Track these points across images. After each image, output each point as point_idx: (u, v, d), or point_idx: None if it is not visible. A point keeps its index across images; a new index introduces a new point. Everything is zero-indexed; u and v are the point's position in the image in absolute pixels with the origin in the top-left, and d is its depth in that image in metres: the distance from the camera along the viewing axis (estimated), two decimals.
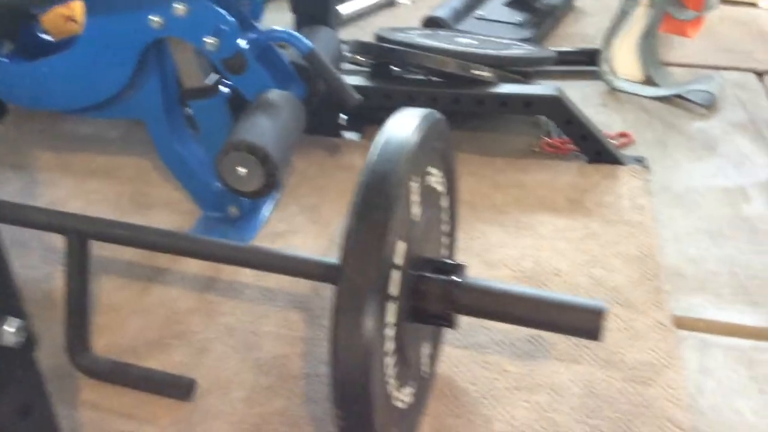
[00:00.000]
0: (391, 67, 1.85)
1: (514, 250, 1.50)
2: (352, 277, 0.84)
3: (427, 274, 1.02)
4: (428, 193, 1.05)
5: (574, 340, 1.29)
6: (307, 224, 1.58)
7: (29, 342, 0.75)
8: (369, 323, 0.85)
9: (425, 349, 1.14)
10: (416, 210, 0.99)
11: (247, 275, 1.43)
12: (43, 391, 0.81)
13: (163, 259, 1.46)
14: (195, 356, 1.27)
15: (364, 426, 0.89)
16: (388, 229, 0.87)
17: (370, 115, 1.87)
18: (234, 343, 1.29)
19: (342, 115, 1.84)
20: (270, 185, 1.28)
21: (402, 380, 1.01)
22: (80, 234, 1.15)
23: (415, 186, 0.98)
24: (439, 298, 1.01)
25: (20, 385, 0.76)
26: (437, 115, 1.05)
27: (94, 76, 1.43)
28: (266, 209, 1.61)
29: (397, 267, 0.92)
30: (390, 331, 0.93)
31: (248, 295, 1.39)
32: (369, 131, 1.89)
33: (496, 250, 1.50)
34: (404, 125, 0.97)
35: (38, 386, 0.80)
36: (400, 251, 0.93)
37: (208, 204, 1.57)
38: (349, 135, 1.86)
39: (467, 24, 2.38)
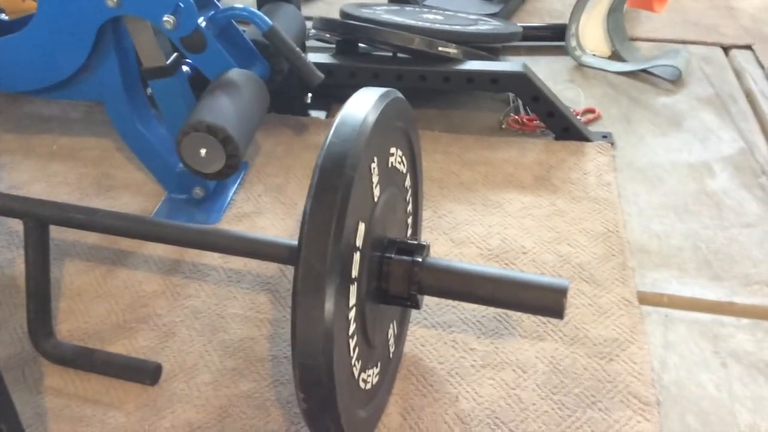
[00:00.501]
0: (358, 44, 1.83)
1: (481, 227, 1.51)
2: (311, 260, 0.84)
3: (390, 255, 1.02)
4: (390, 173, 1.04)
5: (540, 317, 1.30)
6: (273, 204, 1.56)
7: None
8: (329, 306, 0.85)
9: (391, 330, 1.14)
10: (377, 191, 0.98)
11: (213, 257, 1.42)
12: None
13: (127, 243, 1.44)
14: (160, 340, 1.26)
15: (328, 408, 0.89)
16: (346, 211, 0.86)
17: (336, 93, 1.85)
18: (199, 326, 1.28)
19: (308, 94, 1.82)
20: (232, 166, 1.26)
21: (366, 361, 1.02)
22: (39, 219, 1.13)
23: (374, 167, 0.97)
24: (402, 278, 1.01)
25: None
26: (397, 94, 1.04)
27: (50, 56, 1.39)
28: (231, 190, 1.59)
29: (358, 248, 0.92)
30: (352, 313, 0.93)
31: (214, 278, 1.38)
32: (335, 109, 1.87)
33: (463, 227, 1.51)
34: (362, 105, 0.96)
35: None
36: (360, 233, 0.92)
37: (173, 185, 1.54)
38: (315, 113, 1.85)
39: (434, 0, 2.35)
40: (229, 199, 1.57)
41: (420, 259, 1.02)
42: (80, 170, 1.65)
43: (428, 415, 1.14)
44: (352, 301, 0.92)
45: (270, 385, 1.19)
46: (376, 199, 0.98)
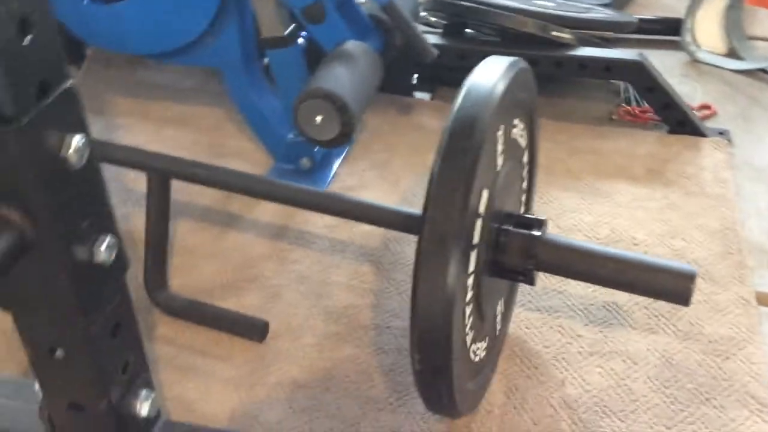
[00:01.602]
0: (465, 27, 1.82)
1: (589, 216, 1.47)
2: (438, 220, 0.83)
3: (508, 227, 1.00)
4: (512, 145, 1.03)
5: (650, 309, 1.25)
6: (377, 180, 1.57)
7: (121, 262, 0.76)
8: (453, 268, 0.84)
9: (499, 307, 1.12)
10: (500, 160, 0.97)
11: (317, 226, 1.44)
12: (131, 311, 0.82)
13: (237, 206, 1.48)
14: (267, 300, 1.28)
15: (442, 372, 0.88)
16: (475, 174, 0.85)
17: (441, 75, 1.85)
18: (305, 290, 1.30)
19: (414, 75, 1.82)
20: (345, 134, 1.27)
21: (478, 333, 1.00)
22: (163, 173, 1.17)
23: (500, 135, 0.95)
24: (520, 252, 0.99)
25: (112, 304, 0.78)
26: (525, 64, 1.02)
27: (173, 20, 1.44)
28: (336, 163, 1.61)
29: (480, 215, 0.91)
30: (470, 281, 0.92)
31: (319, 245, 1.40)
32: (440, 92, 1.86)
33: (570, 215, 1.47)
34: (493, 72, 0.94)
35: (127, 306, 0.81)
36: (483, 199, 0.91)
37: (281, 155, 1.57)
38: (420, 95, 1.84)
39: None
40: (333, 172, 1.59)
41: (539, 234, 0.99)
42: (193, 136, 1.70)
43: (533, 397, 1.12)
44: (471, 268, 0.91)
45: (373, 352, 1.19)
46: (498, 169, 0.97)
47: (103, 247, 0.72)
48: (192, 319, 1.22)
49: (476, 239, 0.90)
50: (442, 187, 0.84)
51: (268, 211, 1.47)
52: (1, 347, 1.19)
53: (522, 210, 1.17)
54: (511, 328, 1.22)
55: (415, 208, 0.95)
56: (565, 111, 1.81)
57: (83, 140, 0.67)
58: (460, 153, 0.84)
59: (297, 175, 1.56)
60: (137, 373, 0.86)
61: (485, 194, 0.91)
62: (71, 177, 0.68)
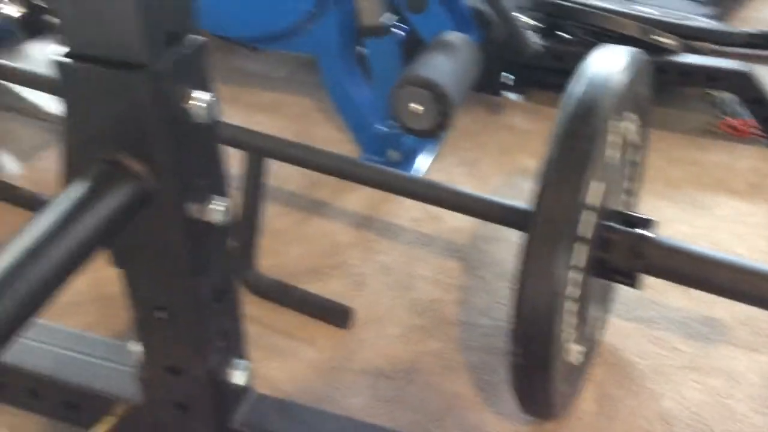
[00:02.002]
0: (560, 29, 1.77)
1: (687, 227, 1.40)
2: (551, 206, 0.80)
3: (616, 225, 0.96)
4: (624, 139, 0.98)
5: (752, 326, 1.18)
6: (465, 177, 1.54)
7: (229, 226, 0.75)
8: (562, 261, 0.81)
9: (596, 311, 1.07)
10: (611, 153, 0.93)
11: (404, 219, 1.42)
12: (233, 279, 0.82)
13: (324, 193, 1.48)
14: (352, 288, 1.26)
15: (540, 368, 0.85)
16: (591, 161, 0.81)
17: (535, 76, 1.80)
18: (390, 281, 1.28)
19: (508, 75, 1.78)
20: (441, 125, 1.25)
21: (577, 335, 0.96)
22: (261, 151, 1.17)
23: (615, 126, 0.91)
24: (628, 252, 0.94)
25: (218, 268, 0.77)
26: (646, 56, 0.98)
27: (274, 4, 1.45)
28: (425, 158, 1.58)
29: (589, 208, 0.87)
30: (576, 277, 0.88)
31: (405, 238, 1.38)
32: (531, 93, 1.82)
33: (667, 224, 1.39)
34: (614, 59, 0.91)
35: (230, 273, 0.81)
36: (595, 191, 0.87)
37: (369, 146, 1.56)
38: (512, 95, 1.81)
39: None
40: (425, 167, 1.56)
41: (649, 234, 0.95)
42: (282, 123, 1.71)
43: (626, 408, 1.06)
44: (578, 263, 0.87)
45: (458, 348, 1.16)
46: (610, 162, 0.93)
47: (216, 208, 0.71)
48: (278, 300, 1.22)
49: (584, 234, 0.86)
50: (556, 170, 0.81)
51: (354, 201, 1.46)
52: (94, 314, 1.22)
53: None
54: (606, 336, 1.17)
55: None
56: (663, 119, 1.74)
57: (208, 96, 0.67)
58: (577, 138, 0.81)
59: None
60: (234, 342, 0.85)
61: (597, 186, 0.87)
62: (194, 132, 0.67)
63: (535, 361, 0.84)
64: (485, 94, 1.78)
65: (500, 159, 1.59)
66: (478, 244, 1.36)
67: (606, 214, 0.95)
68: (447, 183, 1.09)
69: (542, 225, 0.80)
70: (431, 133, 1.27)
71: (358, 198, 1.47)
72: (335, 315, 1.19)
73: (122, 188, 0.65)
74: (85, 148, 0.66)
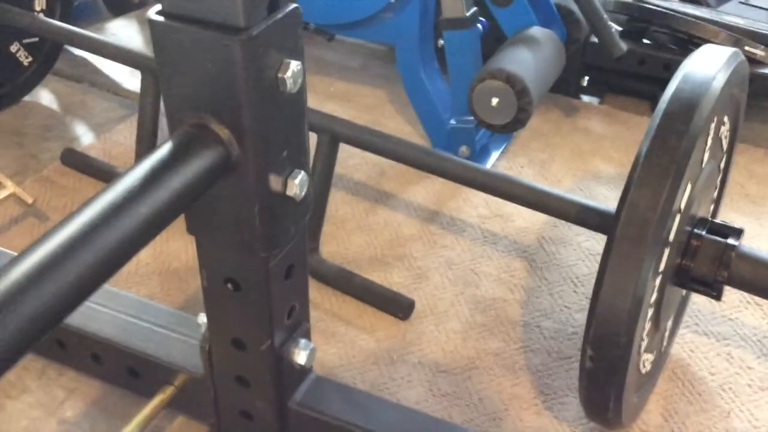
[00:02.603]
0: (645, 33, 1.72)
1: (767, 245, 1.34)
2: (642, 201, 0.76)
3: (701, 232, 0.91)
4: (717, 143, 0.94)
5: None
6: (536, 178, 1.50)
7: (307, 202, 0.75)
8: (647, 263, 0.77)
9: (669, 322, 1.03)
10: (705, 156, 0.89)
11: (470, 215, 1.39)
12: (305, 257, 0.81)
13: (390, 185, 1.46)
14: (414, 280, 1.25)
15: (615, 372, 0.81)
16: (688, 162, 0.77)
17: (613, 81, 1.75)
18: (453, 276, 1.26)
19: (584, 77, 1.74)
20: (520, 120, 1.22)
21: (650, 343, 0.92)
22: (334, 135, 1.16)
23: (712, 128, 0.87)
24: (713, 261, 0.90)
25: (292, 243, 0.77)
26: (743, 58, 0.93)
27: None
28: (494, 156, 1.56)
29: (679, 211, 0.83)
30: (657, 282, 0.84)
31: (470, 234, 1.35)
32: (609, 98, 1.77)
33: (746, 241, 1.34)
34: (713, 59, 0.86)
35: (303, 251, 0.80)
36: (685, 194, 0.83)
37: (441, 141, 1.54)
38: (588, 98, 1.76)
39: (730, 7, 2.16)
40: (491, 164, 1.54)
41: (736, 244, 0.90)
42: (353, 113, 1.70)
43: (694, 424, 1.02)
44: (661, 267, 0.84)
45: (520, 349, 1.13)
46: (703, 165, 0.88)
47: (297, 181, 0.70)
48: (339, 287, 1.21)
49: (670, 237, 0.82)
50: (652, 168, 0.77)
51: (420, 194, 1.44)
52: (157, 287, 1.23)
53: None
54: (675, 349, 1.12)
55: None
56: (746, 133, 1.67)
57: (299, 66, 0.66)
58: (675, 135, 0.77)
59: None
60: (300, 321, 0.84)
61: (688, 189, 0.83)
62: (282, 101, 0.67)
63: (609, 365, 0.80)
64: (560, 95, 1.74)
65: (572, 162, 1.54)
66: (544, 245, 1.33)
67: (692, 219, 0.91)
68: (524, 179, 1.06)
69: (632, 224, 0.76)
70: (508, 129, 1.25)
71: (425, 192, 1.45)
72: (396, 305, 1.17)
73: (206, 153, 0.64)
74: (175, 110, 0.66)
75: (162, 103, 1.34)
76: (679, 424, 1.02)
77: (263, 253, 0.73)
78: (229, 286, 0.77)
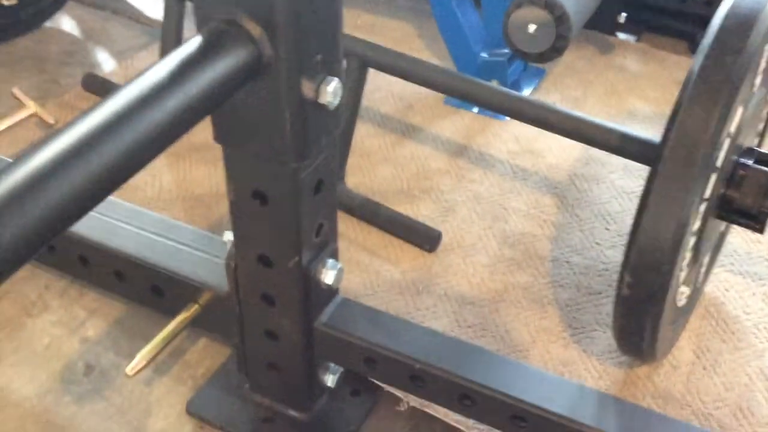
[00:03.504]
0: None
1: None
2: (692, 120, 0.72)
3: (748, 162, 0.87)
4: (767, 71, 0.89)
5: None
6: None
7: (339, 113, 0.71)
8: (694, 188, 0.73)
9: (705, 256, 1.00)
10: (757, 81, 0.84)
11: (500, 151, 1.36)
12: (334, 173, 0.78)
13: (418, 118, 1.42)
14: (441, 213, 1.22)
15: (653, 301, 0.78)
16: (742, 82, 0.73)
17: (651, 19, 1.68)
18: (481, 210, 1.23)
19: (621, 13, 1.67)
20: (558, 49, 1.17)
21: (688, 275, 0.89)
22: (363, 59, 1.12)
23: (766, 50, 0.82)
24: (758, 192, 0.86)
25: (323, 155, 0.74)
26: None
27: None
28: (527, 92, 1.51)
29: (729, 135, 0.79)
30: (701, 209, 0.81)
31: (499, 170, 1.32)
32: (646, 36, 1.70)
33: None
34: None
35: (332, 165, 0.77)
36: (736, 118, 0.79)
37: (470, 74, 1.48)
38: (625, 36, 1.69)
39: None
40: None
41: None
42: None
43: (726, 362, 0.99)
44: (706, 194, 0.80)
45: (549, 284, 1.10)
46: (754, 90, 0.84)
47: (330, 89, 0.67)
48: (365, 217, 1.19)
49: (719, 163, 0.79)
50: (702, 85, 0.73)
51: (448, 128, 1.40)
52: (181, 212, 1.21)
53: None
54: (709, 287, 1.09)
55: None
56: None
57: None
58: (731, 52, 0.72)
59: None
60: (327, 240, 0.82)
61: (739, 112, 0.79)
62: (317, 1, 0.63)
63: (648, 293, 0.77)
64: (595, 32, 1.67)
65: (607, 100, 1.49)
66: (576, 182, 1.29)
67: (739, 148, 0.87)
68: (564, 107, 1.02)
69: (681, 144, 0.72)
70: (545, 58, 1.20)
71: (453, 126, 1.41)
72: (422, 237, 1.15)
73: (236, 51, 0.61)
74: (204, 4, 0.62)
75: (184, 33, 1.31)
76: (711, 362, 0.99)
77: (293, 164, 0.70)
78: (257, 199, 0.75)
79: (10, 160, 0.51)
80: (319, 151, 0.73)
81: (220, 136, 0.71)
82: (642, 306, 0.79)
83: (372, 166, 1.32)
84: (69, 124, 0.52)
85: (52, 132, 0.52)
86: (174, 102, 0.55)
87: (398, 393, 0.94)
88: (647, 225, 0.75)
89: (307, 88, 0.66)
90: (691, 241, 0.83)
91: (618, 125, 0.96)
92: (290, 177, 0.72)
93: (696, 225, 0.82)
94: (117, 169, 0.53)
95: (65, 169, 0.49)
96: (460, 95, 1.06)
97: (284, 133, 0.67)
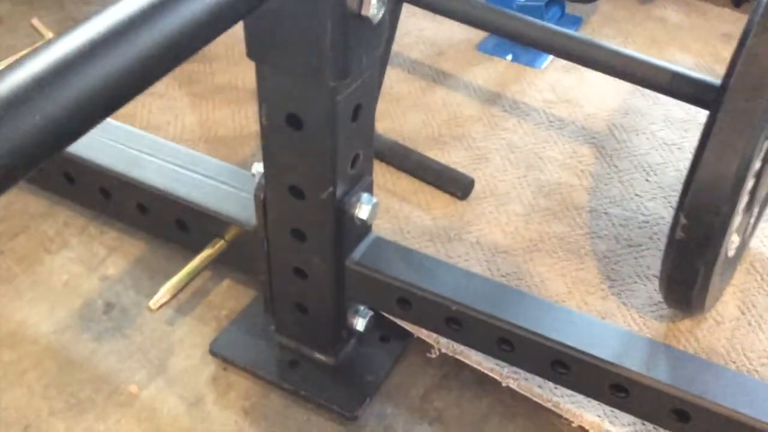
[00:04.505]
0: None
1: None
2: (756, 63, 0.67)
3: None
4: None
5: None
6: None
7: (383, 29, 0.66)
8: (757, 127, 0.68)
9: (755, 208, 0.95)
10: None
11: (535, 99, 1.30)
12: (373, 100, 0.73)
13: (449, 65, 1.37)
14: (473, 161, 1.17)
15: (709, 244, 0.74)
16: None
17: None
18: (515, 159, 1.18)
19: None
20: None
21: (741, 222, 0.84)
22: None
23: None
24: None
25: (362, 77, 0.69)
26: None
27: None
28: None
29: None
30: (761, 154, 0.76)
31: (534, 118, 1.26)
32: None
33: None
34: None
35: (372, 91, 0.72)
36: None
37: None
38: None
39: None
40: None
41: None
42: None
43: None
44: (764, 144, 0.75)
45: (586, 235, 1.06)
46: None
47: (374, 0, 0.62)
48: (394, 162, 1.14)
49: None
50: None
51: (481, 76, 1.35)
52: (203, 153, 1.17)
53: None
54: (754, 242, 1.04)
55: None
56: None
57: None
58: None
59: (517, 45, 1.41)
60: (362, 173, 0.78)
61: None
62: None
63: (705, 236, 0.73)
64: None
65: (647, 51, 1.43)
66: (615, 133, 1.23)
67: None
68: (614, 45, 0.96)
69: (749, 75, 0.67)
70: None
71: (486, 73, 1.35)
72: (454, 183, 1.10)
73: None
74: None
75: None
76: (757, 318, 0.95)
77: (332, 82, 0.65)
78: (292, 124, 0.70)
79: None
80: (360, 72, 0.68)
81: (253, 50, 0.66)
82: (697, 250, 0.74)
83: (402, 111, 1.27)
84: (88, 19, 0.47)
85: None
86: (191, 7, 0.50)
87: (429, 340, 0.90)
88: (708, 161, 0.70)
89: None
90: (750, 183, 0.78)
91: (672, 64, 0.90)
92: (327, 98, 0.67)
93: (757, 165, 0.76)
94: (139, 72, 0.48)
95: (91, 59, 0.44)
96: (502, 32, 1.00)
97: (324, 46, 0.62)
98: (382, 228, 1.06)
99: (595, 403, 0.82)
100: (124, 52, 0.45)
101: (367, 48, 0.66)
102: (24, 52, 1.16)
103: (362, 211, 0.76)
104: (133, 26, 0.46)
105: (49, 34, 1.18)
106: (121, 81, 0.45)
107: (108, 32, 0.45)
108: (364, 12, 0.62)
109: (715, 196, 0.70)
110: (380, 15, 0.64)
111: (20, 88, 0.40)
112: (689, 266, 0.76)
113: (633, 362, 0.70)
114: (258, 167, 0.79)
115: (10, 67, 0.42)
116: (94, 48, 0.44)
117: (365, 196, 0.77)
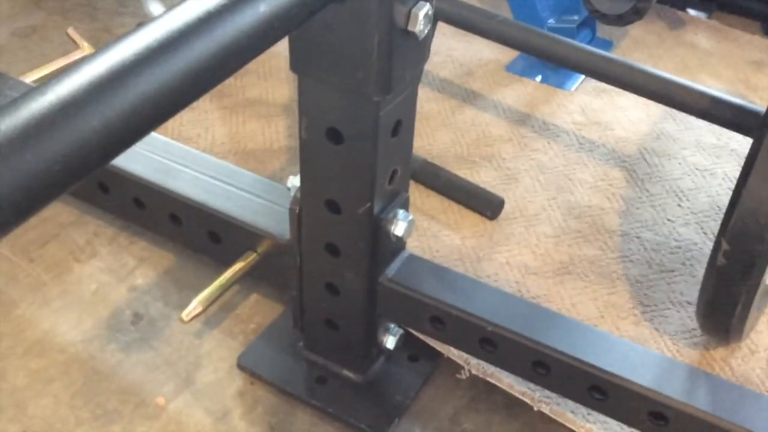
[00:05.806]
0: None
1: None
2: None
3: None
4: None
5: None
6: None
7: (426, 48, 0.66)
8: None
9: None
10: None
11: (565, 121, 1.29)
12: (413, 112, 0.73)
13: (479, 84, 1.37)
14: (502, 181, 1.16)
15: (751, 271, 0.72)
16: None
17: None
18: (545, 180, 1.17)
19: None
20: (639, 11, 1.10)
21: None
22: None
23: None
24: None
25: (404, 93, 0.69)
26: None
27: None
28: None
29: None
30: None
31: (564, 140, 1.25)
32: (718, 14, 1.62)
33: None
34: None
35: (412, 106, 0.72)
36: None
37: None
38: (696, 13, 1.62)
39: None
40: None
41: None
42: None
43: None
44: None
45: (617, 259, 1.04)
46: None
47: (422, 14, 0.62)
48: (424, 180, 1.13)
49: None
50: None
51: (510, 96, 1.34)
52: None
53: None
54: None
55: None
56: None
57: None
58: None
59: (547, 67, 1.41)
60: (399, 189, 0.77)
61: None
62: None
63: (747, 262, 0.71)
64: (666, 6, 1.60)
65: (677, 76, 1.42)
66: (646, 157, 1.22)
67: None
68: (661, 72, 0.95)
69: None
70: (624, 21, 1.13)
71: (515, 94, 1.35)
72: (484, 203, 1.09)
73: None
74: None
75: None
76: None
77: (376, 97, 0.65)
78: (332, 138, 0.70)
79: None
80: (403, 88, 0.67)
81: (297, 64, 0.66)
82: (738, 277, 0.73)
83: (431, 130, 1.26)
84: (146, 25, 0.46)
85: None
86: (244, 18, 0.49)
87: (459, 361, 0.89)
88: (753, 187, 0.69)
89: (398, 12, 0.61)
90: None
91: (713, 89, 0.90)
92: (370, 113, 0.67)
93: None
94: (193, 80, 0.47)
95: (134, 75, 0.43)
96: (536, 52, 1.00)
97: (370, 61, 0.62)
98: (410, 246, 1.04)
99: (629, 430, 0.80)
100: (181, 59, 0.45)
101: (411, 64, 0.66)
102: (61, 60, 1.17)
103: (398, 228, 0.76)
104: (189, 35, 0.46)
105: (84, 44, 1.19)
106: (176, 88, 0.45)
107: (166, 39, 0.45)
108: (410, 28, 0.62)
109: (760, 223, 0.69)
110: (426, 31, 0.64)
111: (80, 92, 0.40)
112: (729, 293, 0.75)
113: (673, 389, 0.69)
114: (294, 181, 0.79)
115: (68, 71, 0.42)
116: (152, 54, 0.44)
117: (401, 212, 0.76)
